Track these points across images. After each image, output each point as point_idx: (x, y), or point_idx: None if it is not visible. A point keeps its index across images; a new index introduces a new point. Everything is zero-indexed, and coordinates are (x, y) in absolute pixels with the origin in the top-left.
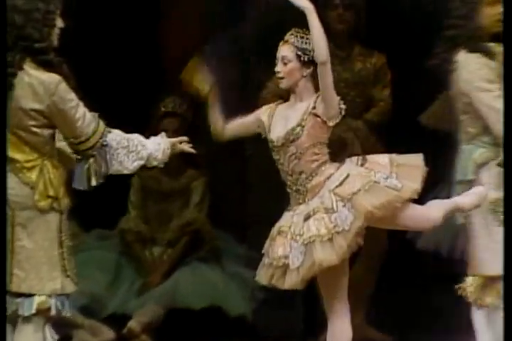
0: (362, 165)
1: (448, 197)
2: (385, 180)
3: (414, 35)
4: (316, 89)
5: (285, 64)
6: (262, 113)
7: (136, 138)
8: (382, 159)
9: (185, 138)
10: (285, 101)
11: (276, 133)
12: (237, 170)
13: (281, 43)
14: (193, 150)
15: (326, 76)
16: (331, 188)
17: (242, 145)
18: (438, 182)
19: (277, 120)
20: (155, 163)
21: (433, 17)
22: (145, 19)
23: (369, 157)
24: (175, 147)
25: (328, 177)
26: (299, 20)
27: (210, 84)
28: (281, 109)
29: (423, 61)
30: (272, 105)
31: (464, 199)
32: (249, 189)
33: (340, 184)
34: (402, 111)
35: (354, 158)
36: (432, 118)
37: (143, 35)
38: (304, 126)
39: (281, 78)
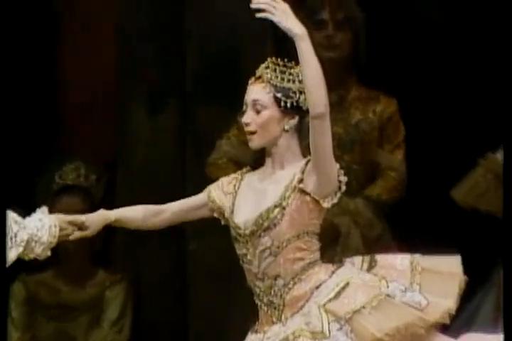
0: (369, 269)
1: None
2: (402, 294)
3: (440, 69)
4: (304, 150)
5: (258, 112)
6: (221, 188)
7: (9, 216)
8: (401, 261)
9: (82, 217)
10: (255, 168)
11: (243, 216)
12: (173, 270)
13: (251, 81)
14: (88, 233)
15: (323, 134)
16: (322, 302)
17: (182, 235)
18: (477, 289)
19: (245, 197)
20: (39, 251)
21: (462, 39)
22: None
23: (379, 257)
24: (66, 228)
25: (318, 287)
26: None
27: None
28: (250, 181)
29: (454, 106)
30: (235, 175)
31: None
32: (192, 299)
33: (336, 297)
34: (424, 184)
35: (357, 259)
36: (471, 194)
37: (36, 75)
38: (284, 208)
39: (252, 133)
